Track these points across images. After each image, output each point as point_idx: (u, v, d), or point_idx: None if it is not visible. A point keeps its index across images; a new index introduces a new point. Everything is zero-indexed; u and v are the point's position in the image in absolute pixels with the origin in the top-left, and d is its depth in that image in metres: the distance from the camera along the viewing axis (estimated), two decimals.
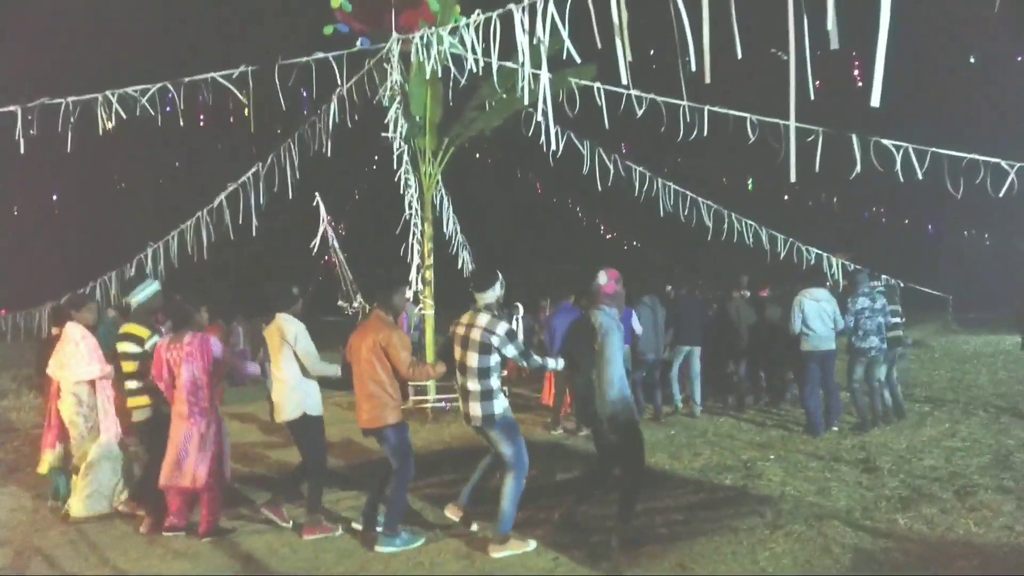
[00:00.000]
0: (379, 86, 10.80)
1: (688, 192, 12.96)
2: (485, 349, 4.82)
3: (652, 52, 19.31)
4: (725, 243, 13.46)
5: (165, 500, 5.43)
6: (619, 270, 5.13)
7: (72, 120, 9.13)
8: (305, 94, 10.42)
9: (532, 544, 4.86)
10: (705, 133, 9.56)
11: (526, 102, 5.87)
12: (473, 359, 4.84)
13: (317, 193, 11.20)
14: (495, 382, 4.90)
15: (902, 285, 11.67)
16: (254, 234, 11.69)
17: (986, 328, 19.99)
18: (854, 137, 8.89)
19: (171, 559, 4.95)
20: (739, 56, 4.25)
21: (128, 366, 5.67)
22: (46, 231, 26.79)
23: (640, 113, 9.60)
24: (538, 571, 4.52)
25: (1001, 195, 8.29)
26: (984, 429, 7.94)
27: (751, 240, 13.38)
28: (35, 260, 25.64)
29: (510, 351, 4.86)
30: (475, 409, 4.87)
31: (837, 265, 13.27)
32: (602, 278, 5.03)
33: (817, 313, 7.95)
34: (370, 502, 5.30)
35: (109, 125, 9.38)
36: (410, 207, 10.82)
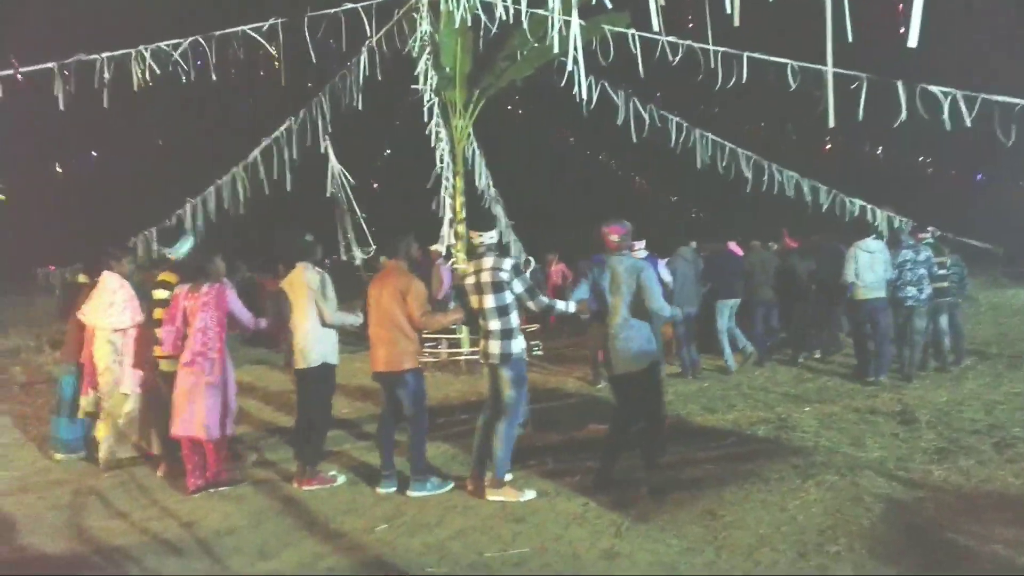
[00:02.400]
0: (409, 37, 10.69)
1: (727, 143, 12.64)
2: (498, 288, 4.94)
3: None
4: (765, 195, 13.16)
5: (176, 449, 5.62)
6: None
7: (107, 76, 9.23)
8: (334, 45, 10.35)
9: (528, 494, 4.92)
10: (744, 80, 9.27)
11: (557, 50, 5.73)
12: (489, 300, 4.95)
13: (327, 137, 11.14)
14: (515, 320, 5.00)
15: (950, 236, 11.33)
16: (288, 188, 11.79)
17: None
18: (899, 84, 8.57)
19: (216, 501, 5.16)
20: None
21: (159, 313, 5.78)
22: (87, 188, 27.37)
23: (675, 61, 9.35)
24: (568, 515, 4.61)
25: None
26: None
27: (792, 192, 13.07)
28: (77, 217, 26.28)
29: (517, 287, 4.96)
30: (494, 347, 4.96)
31: (882, 217, 12.94)
32: (605, 231, 5.10)
33: (869, 264, 8.01)
34: (386, 454, 5.33)
35: (144, 81, 9.46)
36: (441, 161, 10.80)
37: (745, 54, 9.17)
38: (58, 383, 6.51)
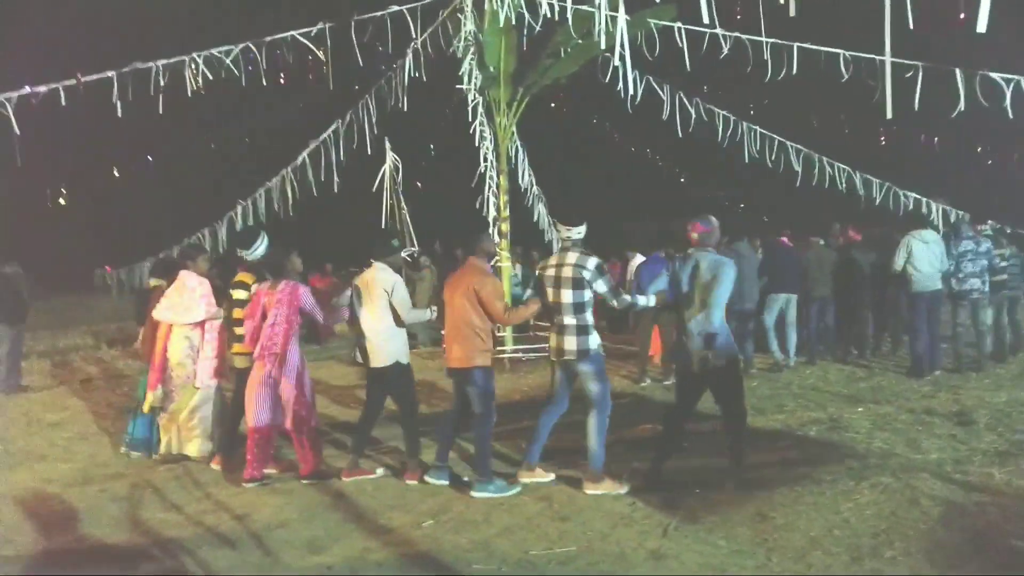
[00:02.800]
0: (453, 37, 10.75)
1: (776, 136, 12.39)
2: (578, 284, 4.94)
3: None
4: (816, 189, 12.85)
5: (238, 444, 5.81)
6: (703, 218, 5.15)
7: (163, 82, 9.50)
8: (381, 48, 10.47)
9: (626, 488, 4.93)
10: (794, 71, 9.05)
11: (603, 46, 5.70)
12: (567, 295, 4.96)
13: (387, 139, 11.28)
14: (590, 317, 5.03)
15: (1008, 230, 10.93)
16: (335, 190, 11.98)
17: None
18: (957, 71, 8.27)
19: (267, 495, 5.28)
20: None
21: (237, 312, 5.91)
22: (142, 191, 28.24)
23: (724, 52, 9.17)
24: (615, 515, 4.58)
25: None
26: None
27: (843, 185, 12.74)
28: (132, 219, 27.17)
29: (600, 286, 4.97)
30: (570, 343, 4.97)
31: (937, 210, 12.53)
32: (688, 227, 5.14)
33: (926, 255, 7.91)
34: (442, 447, 5.42)
35: (197, 86, 9.72)
36: (485, 159, 10.84)
37: (796, 44, 8.97)
38: (139, 383, 6.56)
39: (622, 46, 5.93)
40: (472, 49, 10.16)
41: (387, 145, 10.53)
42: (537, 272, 5.27)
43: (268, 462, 5.62)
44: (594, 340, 5.01)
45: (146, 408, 6.19)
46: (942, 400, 7.05)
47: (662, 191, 28.64)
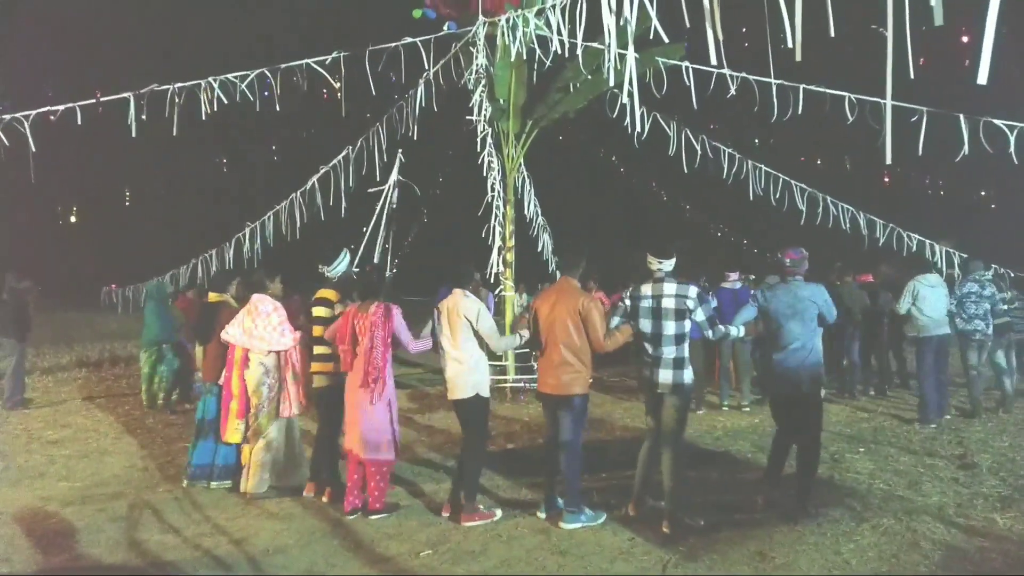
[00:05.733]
0: (465, 70, 10.94)
1: (780, 175, 12.50)
2: (680, 315, 4.90)
3: (744, 30, 18.67)
4: (819, 228, 12.93)
5: (340, 470, 5.67)
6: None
7: (178, 103, 9.65)
8: (394, 79, 10.64)
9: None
10: (800, 111, 9.18)
11: (612, 83, 5.80)
12: (670, 327, 4.89)
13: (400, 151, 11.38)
14: (687, 349, 4.97)
15: (1011, 275, 10.98)
16: (343, 215, 12.09)
17: None
18: (961, 117, 8.38)
19: (265, 519, 5.25)
20: (832, 33, 4.06)
21: (318, 330, 5.74)
22: (149, 212, 28.48)
23: (732, 92, 9.32)
24: (614, 550, 4.56)
25: None
26: None
27: (848, 226, 12.82)
28: (140, 238, 27.35)
29: (699, 315, 4.93)
30: (666, 376, 4.89)
31: (941, 253, 12.58)
32: (780, 255, 5.32)
33: (931, 300, 8.00)
34: (549, 484, 5.22)
35: (211, 109, 9.87)
36: (492, 189, 10.95)
37: (802, 86, 9.11)
38: (199, 405, 6.32)
39: (631, 83, 6.04)
40: (483, 82, 10.32)
41: (398, 158, 10.62)
42: (627, 301, 5.10)
43: (369, 491, 5.29)
44: (688, 375, 4.95)
45: (232, 438, 5.84)
46: (944, 443, 7.02)
47: (666, 225, 28.76)
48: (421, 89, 11.00)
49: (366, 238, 12.28)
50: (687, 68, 9.33)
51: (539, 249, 14.22)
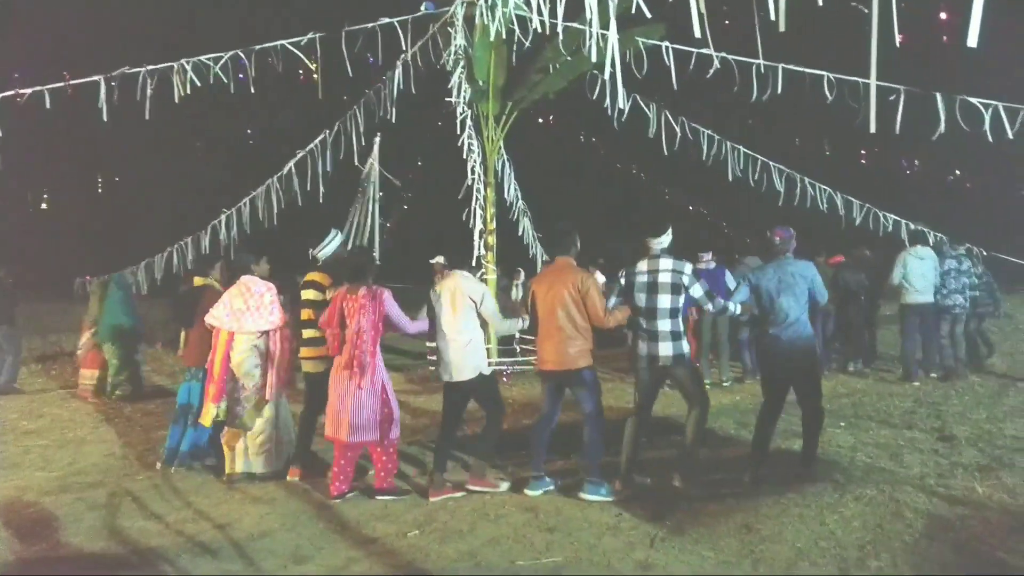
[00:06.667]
0: (443, 50, 10.81)
1: (759, 156, 12.56)
2: (676, 289, 5.01)
3: (724, 8, 18.64)
4: (797, 208, 13.01)
5: (315, 456, 5.71)
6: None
7: (150, 88, 9.44)
8: (372, 60, 10.50)
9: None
10: (779, 92, 9.20)
11: (594, 59, 5.78)
12: (665, 300, 5.00)
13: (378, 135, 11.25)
14: (682, 324, 5.09)
15: (984, 253, 11.16)
16: (321, 200, 11.95)
17: None
18: (938, 96, 8.45)
19: (249, 504, 5.20)
20: (819, 2, 4.03)
21: (308, 313, 5.64)
22: (123, 199, 27.98)
23: (712, 72, 9.30)
24: (602, 526, 4.57)
25: None
26: None
27: (825, 206, 12.91)
28: (114, 227, 26.86)
29: (696, 290, 5.07)
30: (666, 349, 5.00)
31: (916, 232, 12.73)
32: (769, 234, 5.47)
33: (920, 271, 8.67)
34: (538, 456, 5.28)
35: (184, 93, 9.67)
36: (473, 172, 10.87)
37: (781, 66, 9.11)
38: (180, 391, 6.22)
39: (612, 64, 5.98)
40: (462, 63, 10.22)
41: (376, 142, 10.52)
42: (622, 279, 5.20)
43: (377, 473, 5.29)
44: (686, 345, 5.10)
45: (207, 421, 5.75)
46: (923, 416, 7.12)
47: (647, 207, 28.86)
48: (399, 71, 10.86)
49: (349, 222, 12.18)
50: (667, 48, 9.29)
51: (520, 233, 14.19)
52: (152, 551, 4.41)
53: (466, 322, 5.19)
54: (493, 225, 10.97)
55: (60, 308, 17.13)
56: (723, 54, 9.37)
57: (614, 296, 5.23)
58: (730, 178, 12.72)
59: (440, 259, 12.59)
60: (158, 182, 28.25)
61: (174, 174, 28.33)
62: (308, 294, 5.71)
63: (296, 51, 9.77)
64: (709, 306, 5.23)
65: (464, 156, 10.73)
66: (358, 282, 5.26)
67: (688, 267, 5.06)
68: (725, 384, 9.02)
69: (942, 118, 8.36)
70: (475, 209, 10.93)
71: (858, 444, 6.17)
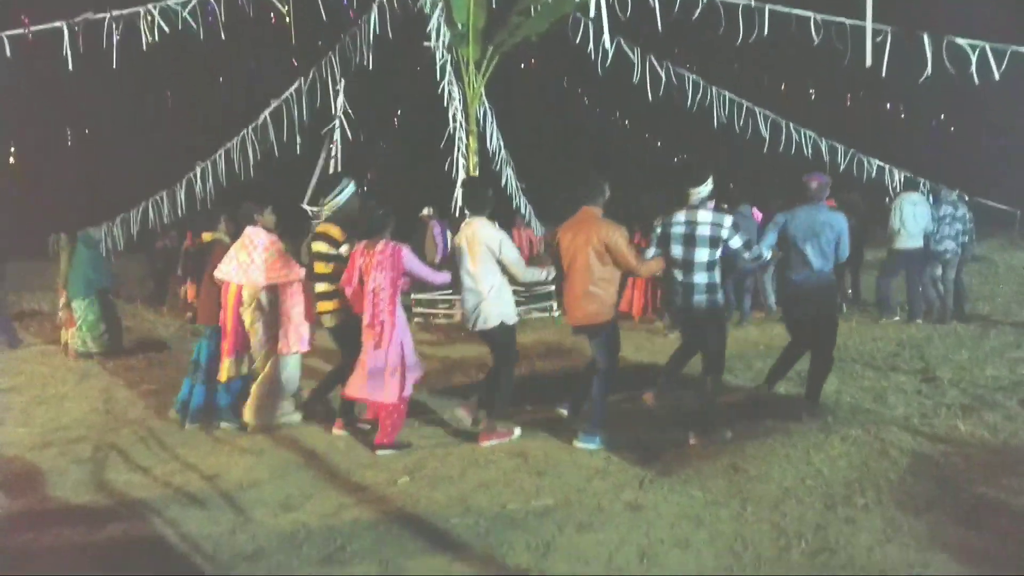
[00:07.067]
0: None
1: (744, 101, 12.40)
2: (715, 243, 4.90)
3: None
4: (781, 156, 12.94)
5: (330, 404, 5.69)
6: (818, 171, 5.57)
7: (116, 36, 9.07)
8: (346, 2, 10.15)
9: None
10: (765, 34, 9.01)
11: (576, 0, 5.61)
12: (703, 254, 4.89)
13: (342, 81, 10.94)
14: (718, 276, 5.01)
15: (967, 198, 11.19)
16: (298, 152, 11.70)
17: None
18: (925, 36, 8.32)
19: (237, 455, 5.16)
20: None
21: (320, 267, 5.47)
22: (93, 152, 27.22)
23: (696, 14, 9.09)
24: (591, 469, 4.59)
25: None
26: None
27: (810, 152, 12.85)
28: (85, 181, 26.19)
29: (736, 242, 4.97)
30: (700, 300, 4.94)
31: (899, 178, 12.75)
32: (805, 180, 5.44)
33: (912, 215, 8.77)
34: (576, 400, 5.39)
35: (152, 40, 9.30)
36: (454, 120, 10.65)
37: (768, 6, 8.91)
38: (196, 347, 6.05)
39: (597, 3, 5.81)
40: (440, 4, 9.90)
41: (340, 87, 10.25)
42: (659, 229, 5.07)
43: (381, 429, 5.15)
44: (721, 298, 5.06)
45: (224, 376, 5.69)
46: (906, 358, 7.20)
47: (632, 156, 28.63)
48: (375, 14, 10.52)
49: (314, 176, 11.90)
50: None
51: (503, 183, 14.02)
52: (140, 503, 4.37)
53: (486, 270, 5.05)
54: (477, 174, 10.80)
55: (37, 267, 16.80)
56: None
57: (652, 248, 5.11)
58: (715, 125, 12.60)
59: (428, 210, 12.49)
60: (130, 134, 27.50)
61: (146, 126, 27.58)
62: (320, 247, 5.47)
63: None
64: (747, 254, 5.19)
65: (445, 104, 10.51)
66: (376, 237, 5.10)
67: (728, 220, 4.93)
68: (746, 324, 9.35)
69: (929, 60, 8.24)
70: (457, 158, 10.76)
71: (843, 386, 6.21)
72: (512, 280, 5.22)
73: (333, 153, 11.57)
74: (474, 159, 10.76)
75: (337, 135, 11.58)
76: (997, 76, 8.09)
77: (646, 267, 5.11)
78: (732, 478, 4.35)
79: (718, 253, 4.94)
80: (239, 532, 3.94)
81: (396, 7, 10.73)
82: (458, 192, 11.00)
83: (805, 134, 12.86)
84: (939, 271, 8.98)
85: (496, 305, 5.07)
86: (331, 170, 11.53)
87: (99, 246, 9.94)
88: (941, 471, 4.32)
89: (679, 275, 4.98)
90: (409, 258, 5.08)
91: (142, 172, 18.74)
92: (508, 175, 14.06)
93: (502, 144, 13.66)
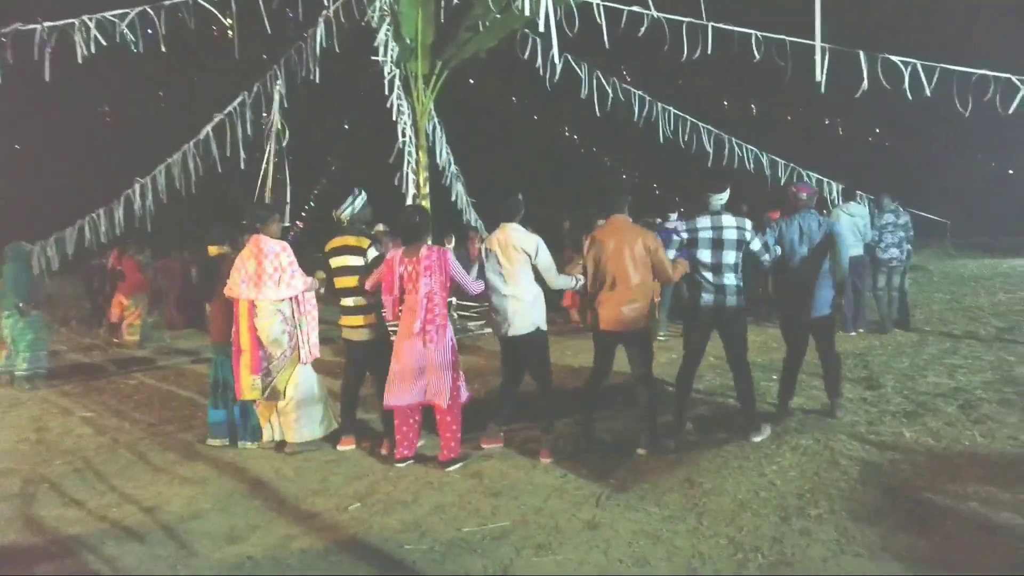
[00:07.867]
0: (368, 6, 10.36)
1: (688, 116, 12.63)
2: (740, 246, 5.13)
3: None
4: (725, 169, 13.20)
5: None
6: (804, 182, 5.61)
7: (49, 48, 8.72)
8: (291, 15, 9.98)
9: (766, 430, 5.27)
10: (709, 51, 9.19)
11: (527, 12, 5.61)
12: (731, 256, 5.09)
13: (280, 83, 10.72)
14: (743, 278, 5.19)
15: (902, 209, 11.60)
16: (242, 166, 11.41)
17: (985, 253, 19.97)
18: (861, 53, 8.60)
19: (177, 485, 4.95)
20: None
21: (348, 281, 5.31)
22: (26, 169, 26.17)
23: (642, 31, 9.22)
24: (547, 488, 4.53)
25: (1011, 112, 8.12)
26: (985, 347, 7.96)
27: (752, 166, 13.14)
28: (18, 198, 25.11)
29: (756, 244, 5.23)
30: (731, 301, 5.10)
31: (837, 190, 13.14)
32: (793, 191, 5.75)
33: (850, 226, 8.76)
34: (587, 424, 5.31)
35: (88, 52, 8.97)
36: (403, 135, 10.54)
37: (710, 24, 9.09)
38: (214, 366, 5.87)
39: (547, 19, 5.81)
40: (388, 19, 9.81)
41: (276, 97, 10.05)
42: (683, 234, 5.19)
43: (447, 440, 5.04)
44: (744, 299, 5.20)
45: (249, 395, 5.44)
46: (851, 367, 7.36)
47: (580, 170, 28.90)
48: (321, 28, 10.35)
49: (259, 181, 11.64)
50: (598, 6, 9.13)
51: (453, 199, 13.95)
52: (73, 539, 4.14)
53: (522, 276, 5.05)
54: (427, 190, 10.71)
55: None
56: (652, 11, 9.28)
57: (673, 251, 5.22)
58: (661, 139, 12.79)
59: (381, 227, 12.28)
60: (65, 150, 26.53)
61: (82, 141, 26.65)
62: (345, 260, 5.32)
63: (208, 5, 9.18)
64: (766, 257, 5.38)
65: (394, 118, 10.39)
66: (416, 242, 4.99)
67: (749, 223, 5.19)
68: (661, 338, 9.40)
69: (865, 75, 8.52)
70: (407, 173, 10.64)
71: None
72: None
73: (276, 159, 11.31)
74: (424, 174, 10.64)
75: (273, 141, 11.34)
76: (928, 92, 8.42)
77: (676, 272, 5.22)
78: (687, 492, 4.35)
79: (741, 256, 5.15)
80: (180, 567, 3.75)
81: (344, 21, 10.58)
82: (402, 214, 10.91)
83: (747, 148, 13.16)
84: (883, 281, 9.18)
85: (533, 310, 5.09)
86: (280, 175, 11.29)
87: (29, 259, 9.38)
88: (889, 479, 4.40)
89: (709, 276, 5.12)
90: (455, 263, 5.06)
91: (79, 189, 18.06)
92: (459, 190, 14.00)
93: (452, 159, 13.60)
